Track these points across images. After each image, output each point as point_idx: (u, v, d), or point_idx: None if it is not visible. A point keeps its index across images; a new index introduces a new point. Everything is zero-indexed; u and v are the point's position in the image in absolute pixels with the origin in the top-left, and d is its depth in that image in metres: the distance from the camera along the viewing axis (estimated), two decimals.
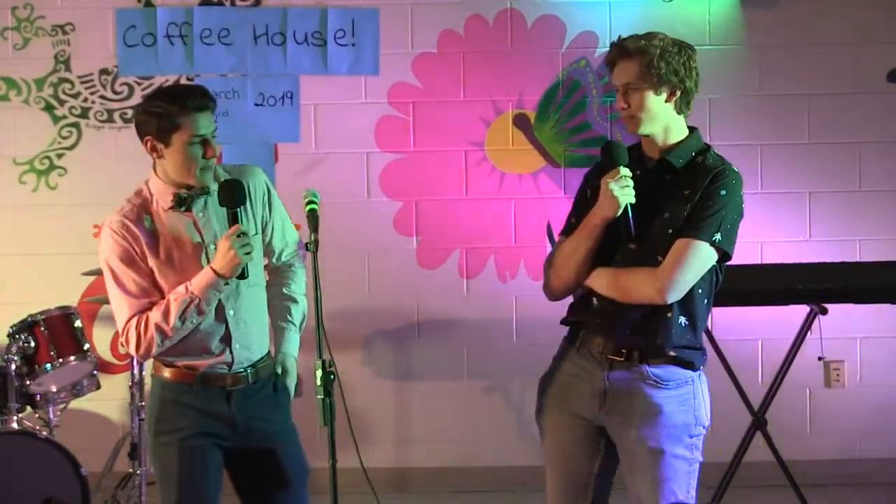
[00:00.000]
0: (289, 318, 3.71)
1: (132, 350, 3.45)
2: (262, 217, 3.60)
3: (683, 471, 3.29)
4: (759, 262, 5.68)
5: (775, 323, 5.61)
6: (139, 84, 5.79)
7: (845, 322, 5.59)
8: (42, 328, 4.99)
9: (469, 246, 5.86)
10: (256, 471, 3.56)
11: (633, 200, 3.26)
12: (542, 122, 5.84)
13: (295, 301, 3.73)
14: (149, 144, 3.42)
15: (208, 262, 3.43)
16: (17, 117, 5.78)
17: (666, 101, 3.28)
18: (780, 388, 5.22)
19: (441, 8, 5.80)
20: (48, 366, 4.95)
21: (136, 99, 5.76)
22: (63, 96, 5.78)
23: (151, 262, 3.43)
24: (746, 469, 5.27)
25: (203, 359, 3.47)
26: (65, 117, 5.79)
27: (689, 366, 3.31)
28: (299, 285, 3.76)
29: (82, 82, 5.79)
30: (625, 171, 3.27)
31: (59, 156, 5.80)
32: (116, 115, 5.79)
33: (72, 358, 5.02)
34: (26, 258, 5.79)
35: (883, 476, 5.83)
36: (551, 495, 3.48)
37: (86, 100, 5.79)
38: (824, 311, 5.05)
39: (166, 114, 3.36)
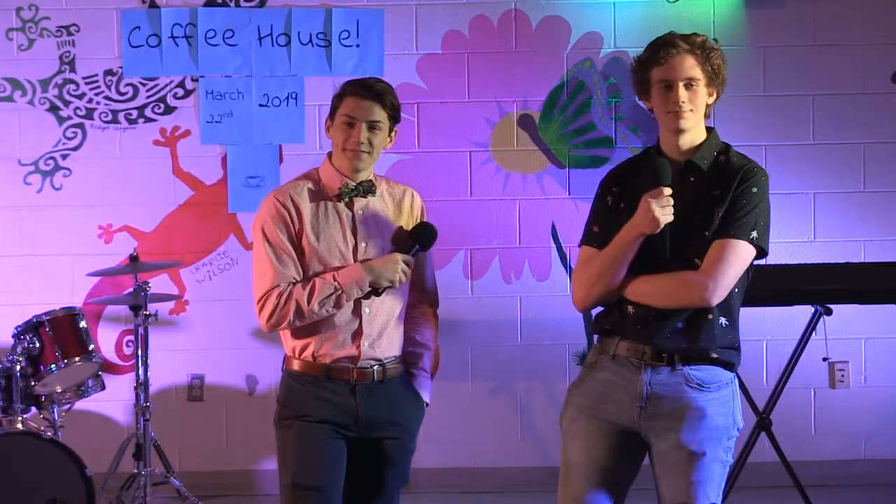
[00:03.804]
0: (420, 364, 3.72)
1: (263, 319, 3.48)
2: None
3: (718, 473, 3.26)
4: (764, 262, 5.66)
5: (780, 324, 5.61)
6: (144, 85, 5.79)
7: (850, 323, 5.60)
8: (47, 329, 4.99)
9: (474, 247, 5.86)
10: (362, 464, 3.58)
11: (671, 219, 3.22)
12: (546, 122, 5.84)
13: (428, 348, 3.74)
14: (326, 122, 3.58)
15: (355, 259, 3.50)
16: (21, 118, 5.79)
17: (709, 99, 3.29)
18: (784, 388, 5.23)
19: (445, 9, 5.81)
20: (53, 366, 4.96)
21: (141, 100, 5.77)
22: (68, 97, 5.79)
23: (305, 241, 3.49)
24: (751, 469, 5.28)
25: (331, 349, 3.51)
26: (69, 118, 5.80)
27: (730, 366, 3.29)
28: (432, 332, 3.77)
29: (87, 83, 5.79)
30: (668, 191, 3.22)
31: (64, 157, 5.81)
32: (121, 116, 5.80)
33: (77, 359, 5.02)
34: (31, 259, 5.80)
35: (888, 477, 5.82)
36: (567, 500, 3.38)
37: (90, 101, 5.79)
38: (829, 312, 5.05)
39: (338, 92, 3.53)
